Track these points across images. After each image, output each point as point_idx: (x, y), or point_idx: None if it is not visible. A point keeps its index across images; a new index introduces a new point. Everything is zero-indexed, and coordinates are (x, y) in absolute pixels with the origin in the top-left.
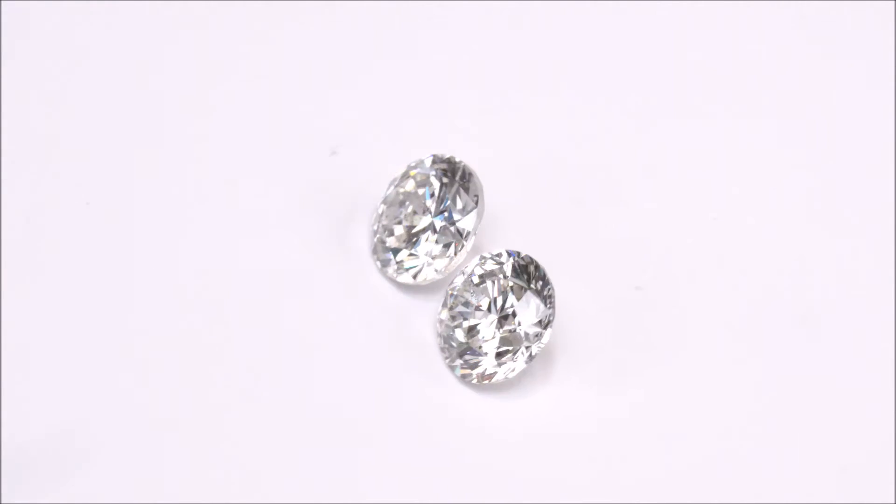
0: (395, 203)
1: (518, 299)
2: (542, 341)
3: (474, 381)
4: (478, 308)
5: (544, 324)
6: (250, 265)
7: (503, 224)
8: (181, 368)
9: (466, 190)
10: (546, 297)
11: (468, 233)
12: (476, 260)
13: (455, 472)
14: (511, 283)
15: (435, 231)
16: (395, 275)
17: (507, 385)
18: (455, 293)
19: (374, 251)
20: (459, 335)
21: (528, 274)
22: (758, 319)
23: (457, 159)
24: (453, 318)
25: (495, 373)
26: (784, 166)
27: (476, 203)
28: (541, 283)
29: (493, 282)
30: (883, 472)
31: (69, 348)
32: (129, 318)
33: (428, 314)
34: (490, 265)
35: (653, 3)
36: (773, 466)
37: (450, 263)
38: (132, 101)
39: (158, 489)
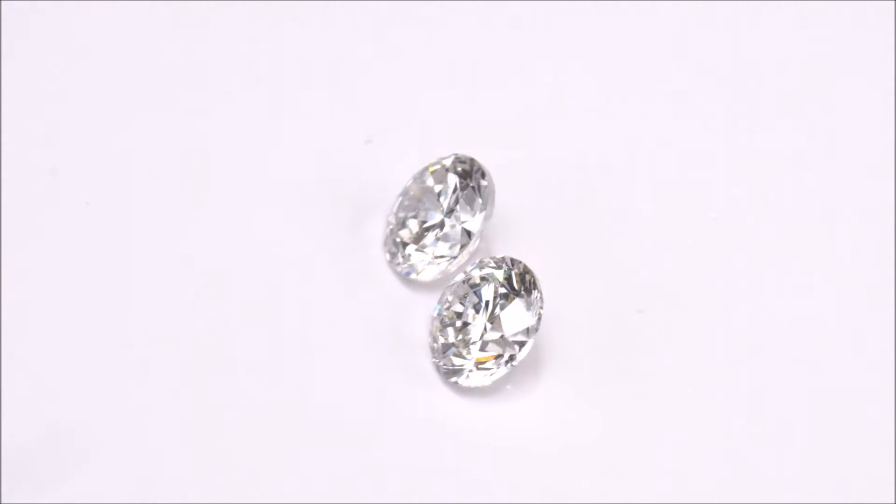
0: (412, 197)
1: (508, 306)
2: (524, 350)
3: (455, 382)
4: (468, 310)
5: (529, 333)
6: (257, 257)
7: (518, 228)
8: (181, 368)
9: (479, 192)
10: (535, 308)
11: (474, 235)
12: (476, 263)
13: (432, 474)
14: (504, 290)
15: (443, 229)
16: (400, 268)
17: (490, 390)
18: (450, 293)
19: (385, 242)
20: (447, 336)
21: (524, 283)
22: (755, 328)
23: (477, 160)
24: (444, 318)
25: (475, 376)
26: (785, 166)
27: (484, 206)
28: (534, 293)
29: (488, 286)
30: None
31: (69, 348)
32: (129, 317)
33: (425, 311)
34: (488, 270)
35: (653, 3)
36: (764, 479)
37: (452, 263)
38: (133, 97)
39: (158, 489)
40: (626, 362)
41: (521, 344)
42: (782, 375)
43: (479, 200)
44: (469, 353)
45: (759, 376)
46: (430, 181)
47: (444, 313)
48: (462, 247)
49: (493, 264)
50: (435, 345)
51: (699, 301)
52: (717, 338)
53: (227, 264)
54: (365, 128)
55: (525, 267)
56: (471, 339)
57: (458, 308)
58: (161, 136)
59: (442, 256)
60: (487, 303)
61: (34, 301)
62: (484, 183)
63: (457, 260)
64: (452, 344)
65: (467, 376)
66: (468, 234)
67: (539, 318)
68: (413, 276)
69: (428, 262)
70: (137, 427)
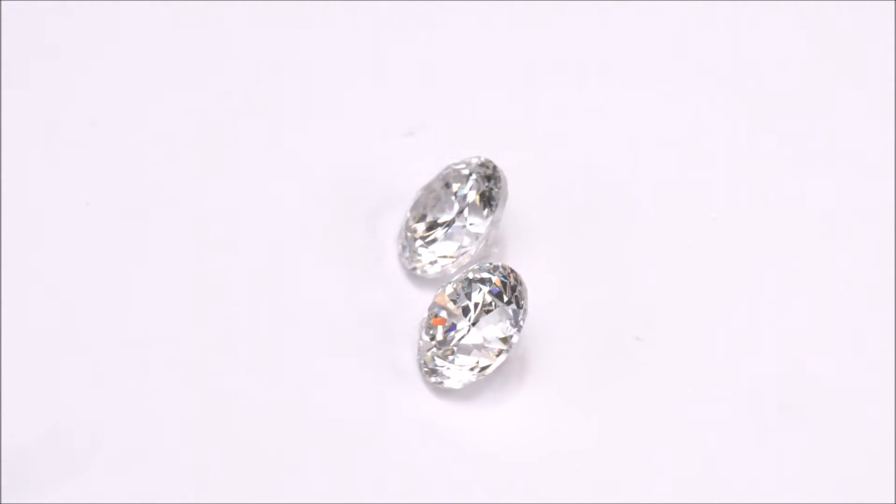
0: (433, 194)
1: (492, 313)
2: (499, 360)
3: (434, 381)
4: (456, 313)
5: (507, 343)
6: (263, 247)
7: (526, 230)
8: (181, 366)
9: (491, 196)
10: (518, 320)
11: (479, 237)
12: (474, 266)
13: (417, 475)
14: (491, 298)
15: (451, 229)
16: (407, 263)
17: (477, 394)
18: (445, 293)
19: (399, 235)
20: (434, 335)
21: (513, 293)
22: (755, 333)
23: (498, 165)
24: (434, 318)
25: (452, 378)
26: (785, 167)
27: (493, 210)
28: (521, 305)
29: (479, 291)
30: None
31: (69, 348)
32: (129, 316)
33: (422, 308)
34: (483, 274)
35: (654, 4)
36: (759, 484)
37: (454, 263)
38: (134, 95)
39: (158, 489)
40: (623, 366)
41: (499, 353)
42: (781, 379)
43: (490, 204)
44: (449, 354)
45: (758, 380)
46: (451, 180)
47: (433, 313)
48: (466, 248)
49: (490, 270)
50: (421, 343)
51: (698, 305)
52: (715, 344)
53: (237, 253)
54: (384, 125)
55: (518, 278)
56: (453, 341)
57: (448, 310)
58: (177, 128)
59: (446, 256)
60: (477, 305)
61: (34, 301)
62: (498, 188)
63: (458, 261)
64: (437, 343)
65: (446, 377)
66: (474, 236)
67: (520, 330)
68: (418, 271)
69: (431, 259)
70: (137, 427)
